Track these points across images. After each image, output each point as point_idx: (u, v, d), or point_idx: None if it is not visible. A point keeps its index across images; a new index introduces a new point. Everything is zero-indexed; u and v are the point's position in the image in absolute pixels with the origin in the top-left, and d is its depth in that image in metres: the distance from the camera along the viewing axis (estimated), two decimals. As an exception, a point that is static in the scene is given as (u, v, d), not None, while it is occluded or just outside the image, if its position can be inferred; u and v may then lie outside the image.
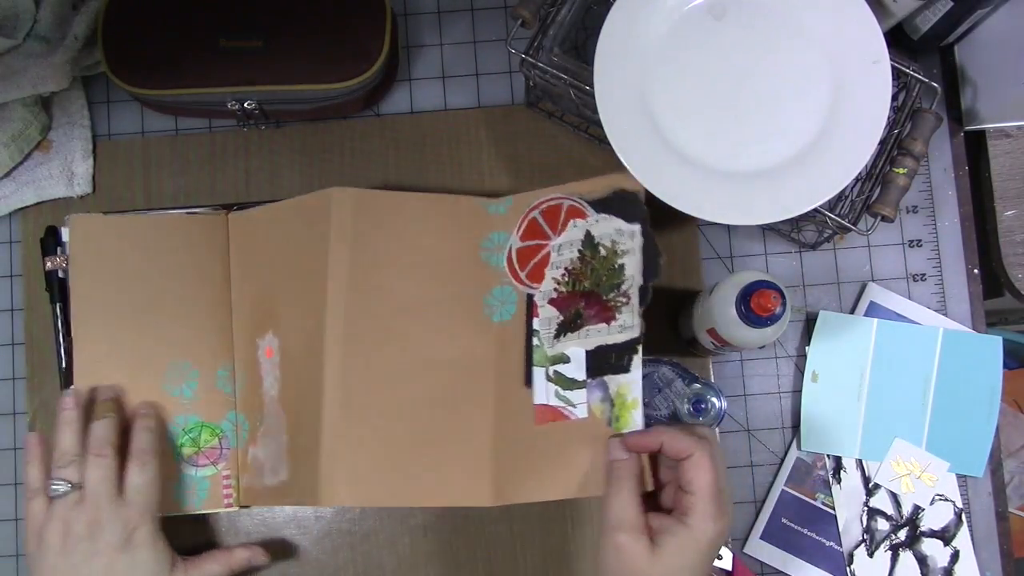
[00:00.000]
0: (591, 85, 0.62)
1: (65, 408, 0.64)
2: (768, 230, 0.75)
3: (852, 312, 0.74)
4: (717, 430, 0.71)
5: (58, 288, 0.69)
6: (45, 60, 0.70)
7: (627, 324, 0.61)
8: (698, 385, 0.69)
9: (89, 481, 0.61)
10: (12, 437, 0.73)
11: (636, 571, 0.51)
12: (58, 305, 0.69)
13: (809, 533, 0.72)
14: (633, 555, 0.51)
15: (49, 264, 0.69)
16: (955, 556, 0.71)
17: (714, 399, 0.69)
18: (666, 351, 0.73)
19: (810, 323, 0.73)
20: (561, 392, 0.63)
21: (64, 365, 0.68)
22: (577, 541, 0.71)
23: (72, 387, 0.66)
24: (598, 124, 0.63)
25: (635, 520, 0.52)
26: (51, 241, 0.70)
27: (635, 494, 0.53)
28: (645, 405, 0.68)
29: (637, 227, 0.62)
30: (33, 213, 0.75)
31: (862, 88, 0.62)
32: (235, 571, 0.67)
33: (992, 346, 0.73)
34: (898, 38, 0.74)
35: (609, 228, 0.63)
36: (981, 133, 0.77)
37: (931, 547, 0.71)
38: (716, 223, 0.64)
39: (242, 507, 0.69)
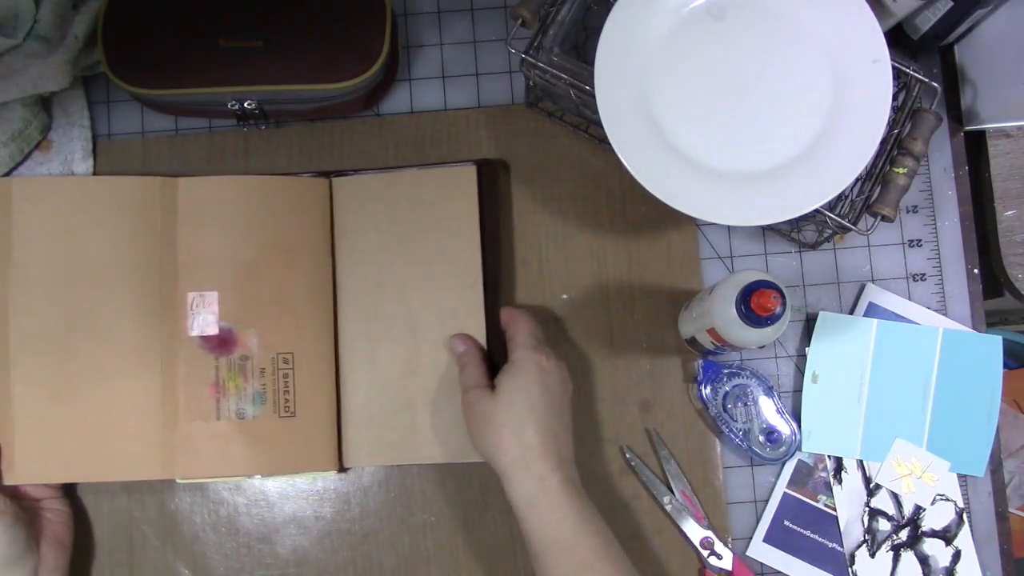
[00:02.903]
0: (591, 85, 0.62)
1: None
2: (768, 230, 0.75)
3: (851, 312, 0.74)
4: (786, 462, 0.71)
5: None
6: (45, 60, 0.70)
7: None
8: (780, 418, 0.70)
9: None
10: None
11: (484, 413, 0.63)
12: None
13: (812, 535, 0.71)
14: (479, 402, 0.64)
15: None
16: (957, 556, 0.71)
17: (792, 435, 0.71)
18: (666, 351, 0.73)
19: (810, 323, 0.73)
20: None
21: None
22: (577, 541, 0.71)
23: None
24: (598, 124, 0.63)
25: (479, 381, 0.66)
26: None
27: (478, 367, 0.67)
28: (725, 411, 0.69)
29: None
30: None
31: (862, 88, 0.62)
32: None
33: (992, 346, 0.73)
34: (898, 38, 0.74)
35: None
36: (981, 133, 0.77)
37: (933, 547, 0.71)
38: (716, 223, 0.64)
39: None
